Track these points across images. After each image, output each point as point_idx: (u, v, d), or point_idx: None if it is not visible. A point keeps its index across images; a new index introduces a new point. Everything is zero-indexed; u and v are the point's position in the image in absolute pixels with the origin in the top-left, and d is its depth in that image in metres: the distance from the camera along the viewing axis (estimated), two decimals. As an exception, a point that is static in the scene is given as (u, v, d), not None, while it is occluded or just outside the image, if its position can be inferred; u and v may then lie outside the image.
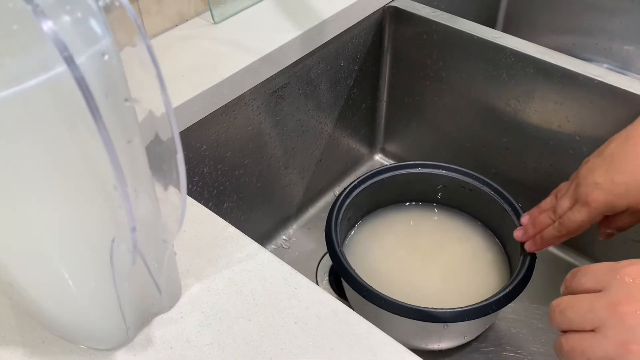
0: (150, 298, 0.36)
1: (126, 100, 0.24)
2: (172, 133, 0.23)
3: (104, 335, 0.35)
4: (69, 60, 0.19)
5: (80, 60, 0.20)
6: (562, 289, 0.40)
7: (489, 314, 0.54)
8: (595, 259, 0.71)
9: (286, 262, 0.41)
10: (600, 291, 0.36)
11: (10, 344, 0.36)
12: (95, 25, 0.22)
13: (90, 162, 0.26)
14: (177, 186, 0.26)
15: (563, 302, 0.38)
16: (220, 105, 0.58)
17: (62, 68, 0.21)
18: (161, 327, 0.37)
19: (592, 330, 0.35)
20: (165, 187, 0.27)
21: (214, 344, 0.36)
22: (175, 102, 0.54)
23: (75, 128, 0.24)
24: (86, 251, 0.30)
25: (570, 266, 0.72)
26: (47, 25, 0.18)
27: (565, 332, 0.38)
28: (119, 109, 0.24)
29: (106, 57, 0.22)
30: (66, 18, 0.21)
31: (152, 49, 0.22)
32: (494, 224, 0.66)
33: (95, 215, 0.28)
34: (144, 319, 0.37)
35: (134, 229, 0.24)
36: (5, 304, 0.39)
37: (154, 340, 0.37)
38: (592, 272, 0.37)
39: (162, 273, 0.35)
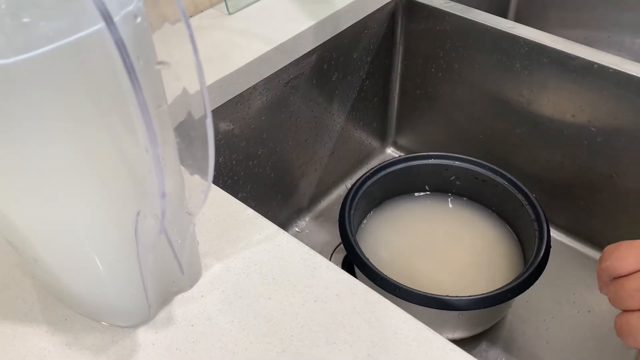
0: (171, 276, 0.36)
1: (158, 63, 0.24)
2: (203, 97, 0.23)
3: (127, 312, 0.35)
4: (109, 21, 0.19)
5: (115, 20, 0.20)
6: (598, 267, 0.39)
7: (504, 302, 0.53)
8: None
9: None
10: None
11: (34, 322, 0.37)
12: (129, -14, 0.22)
13: (116, 132, 0.26)
14: (206, 155, 0.26)
15: (612, 286, 0.37)
16: (235, 94, 0.59)
17: (93, 29, 0.21)
18: (182, 306, 0.37)
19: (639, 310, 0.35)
20: (193, 156, 0.27)
21: (235, 321, 0.36)
22: (191, 90, 0.54)
23: (101, 95, 0.24)
24: (112, 226, 0.30)
25: (584, 257, 0.72)
26: (86, -17, 0.19)
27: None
28: (149, 73, 0.24)
29: (139, 19, 0.22)
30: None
31: (186, 15, 0.22)
32: (508, 215, 0.66)
33: (122, 188, 0.29)
34: (165, 298, 0.37)
35: (163, 195, 0.24)
36: (27, 282, 0.39)
37: (175, 318, 0.37)
38: (636, 249, 0.37)
39: (185, 250, 0.35)
